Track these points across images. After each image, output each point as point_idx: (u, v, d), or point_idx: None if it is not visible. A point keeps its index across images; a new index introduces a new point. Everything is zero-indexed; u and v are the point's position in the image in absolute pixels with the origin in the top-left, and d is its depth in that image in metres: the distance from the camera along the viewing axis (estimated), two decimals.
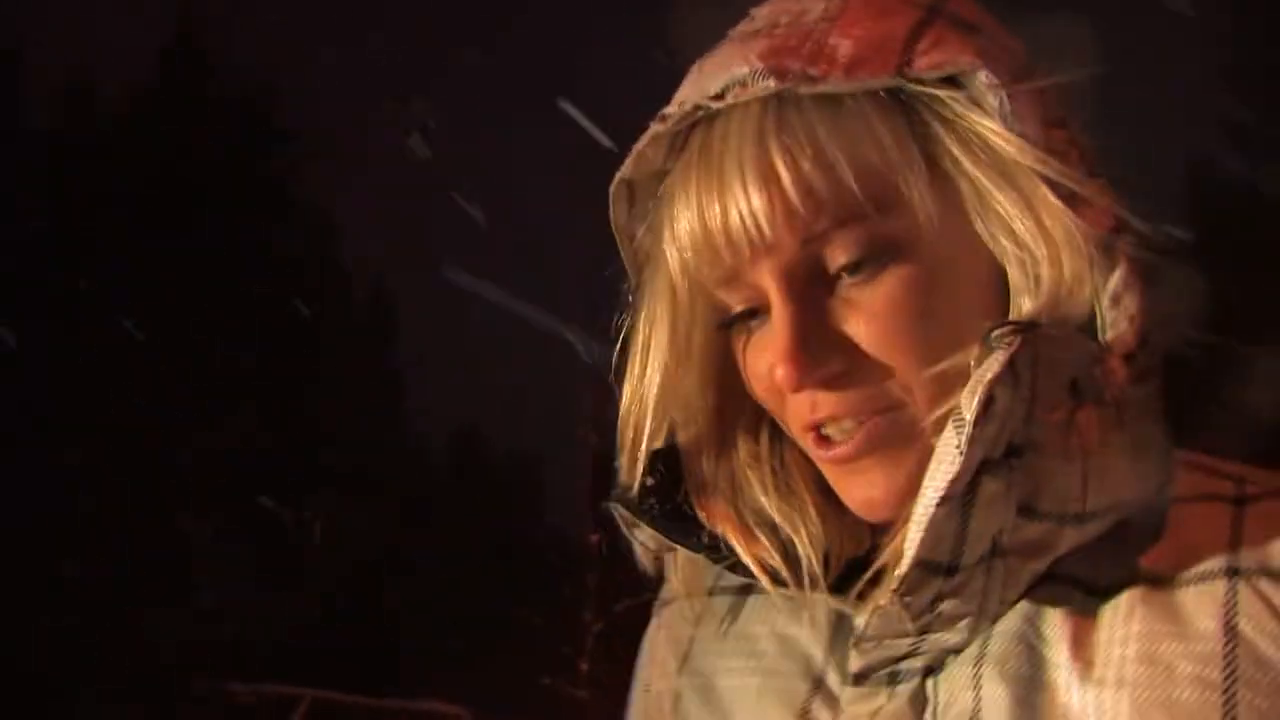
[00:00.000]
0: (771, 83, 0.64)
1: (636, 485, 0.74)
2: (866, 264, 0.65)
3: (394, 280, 25.54)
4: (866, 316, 0.66)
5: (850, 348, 0.66)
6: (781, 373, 0.65)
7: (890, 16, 0.66)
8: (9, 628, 15.17)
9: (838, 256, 0.66)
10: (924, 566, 0.61)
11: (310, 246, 21.51)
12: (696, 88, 0.68)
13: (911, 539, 0.61)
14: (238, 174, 19.52)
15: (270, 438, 18.55)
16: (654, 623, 0.85)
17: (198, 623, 16.95)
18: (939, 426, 0.63)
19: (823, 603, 0.72)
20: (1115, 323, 0.64)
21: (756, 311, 0.69)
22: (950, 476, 0.60)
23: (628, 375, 0.76)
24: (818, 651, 0.73)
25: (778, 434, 0.75)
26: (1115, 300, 0.63)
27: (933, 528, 0.60)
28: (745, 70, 0.65)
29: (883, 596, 0.65)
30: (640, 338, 0.75)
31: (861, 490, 0.68)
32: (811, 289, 0.67)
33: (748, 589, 0.77)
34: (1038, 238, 0.64)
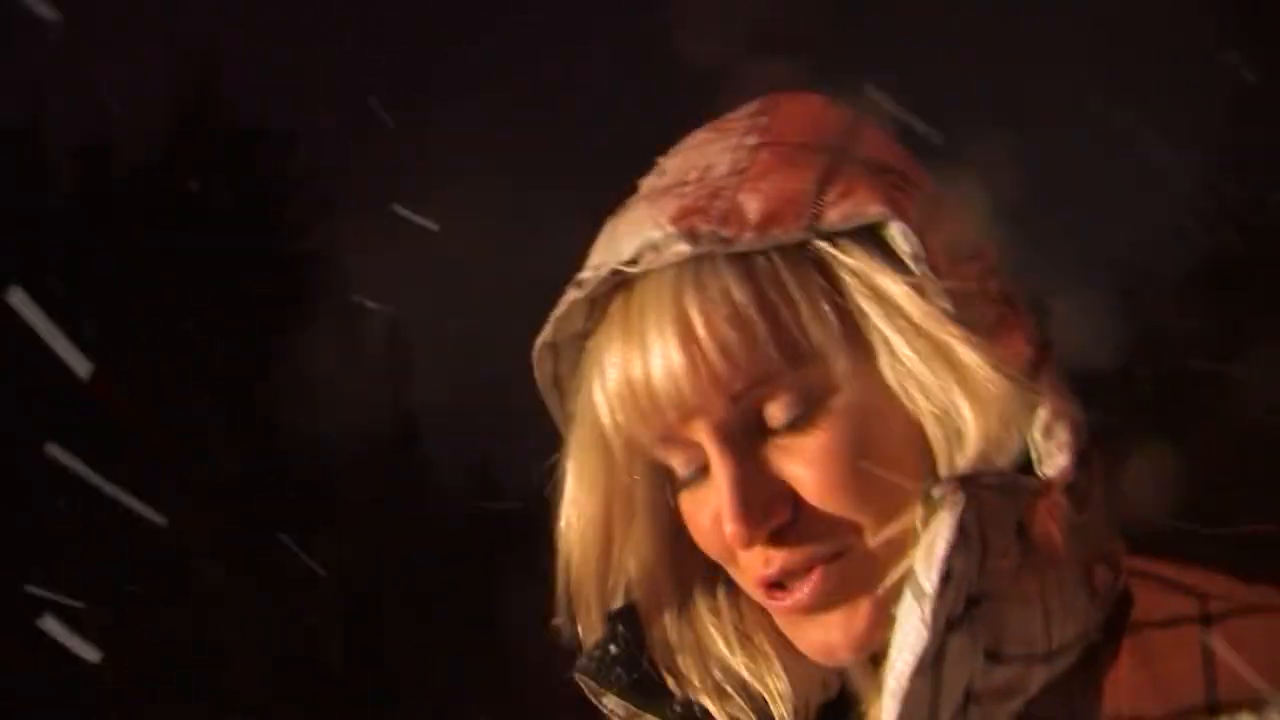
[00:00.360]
0: (684, 247, 0.64)
1: (598, 652, 0.73)
2: (796, 417, 0.66)
3: (409, 322, 25.90)
4: (803, 463, 0.66)
5: (792, 496, 0.66)
6: (731, 530, 0.65)
7: (798, 167, 0.67)
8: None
9: (769, 411, 0.66)
10: None
11: (323, 292, 21.95)
12: (610, 250, 0.68)
13: (888, 710, 0.61)
14: (254, 225, 20.01)
15: (284, 476, 18.82)
16: None
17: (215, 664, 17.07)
18: (889, 568, 0.65)
19: None
20: (1050, 455, 0.64)
21: (701, 470, 0.69)
22: (920, 649, 0.60)
23: (564, 537, 0.75)
24: None
25: (731, 583, 0.74)
26: (1047, 432, 0.64)
27: (909, 698, 0.61)
28: (658, 234, 0.65)
29: None
30: (576, 496, 0.74)
31: (819, 636, 0.68)
32: (747, 441, 0.67)
33: None
34: (953, 389, 0.64)
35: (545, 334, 0.72)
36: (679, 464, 0.70)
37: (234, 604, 17.75)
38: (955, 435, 0.65)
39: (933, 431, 0.66)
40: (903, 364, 0.65)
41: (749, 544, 0.66)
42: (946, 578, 0.59)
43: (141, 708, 15.82)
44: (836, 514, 0.66)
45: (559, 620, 0.75)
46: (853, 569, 0.66)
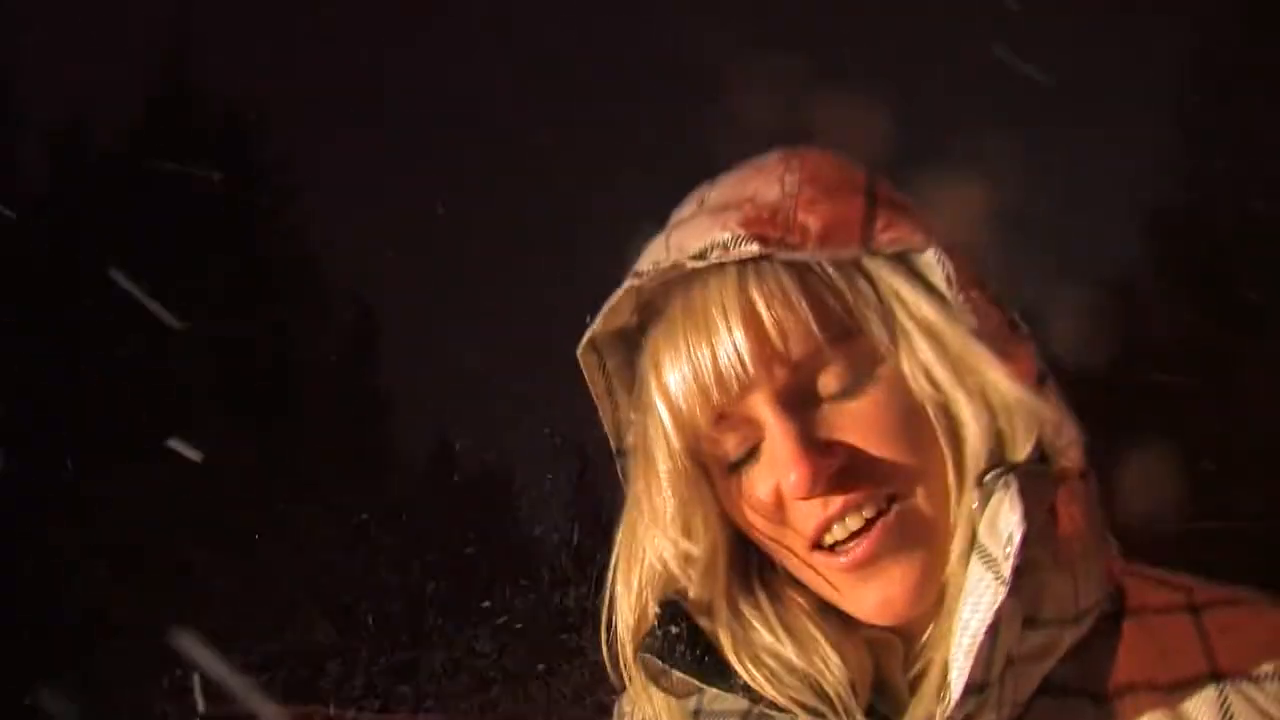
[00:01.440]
0: (755, 247, 0.71)
1: (660, 632, 0.77)
2: (847, 385, 0.73)
3: (376, 302, 26.17)
4: (854, 419, 0.73)
5: (847, 449, 0.72)
6: (794, 476, 0.70)
7: (842, 200, 0.74)
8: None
9: (822, 381, 0.73)
10: (966, 689, 0.67)
11: (296, 273, 22.18)
12: (674, 251, 0.74)
13: (961, 668, 0.67)
14: (226, 207, 20.23)
15: (253, 456, 19.08)
16: None
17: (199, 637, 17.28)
18: (938, 531, 0.73)
19: None
20: (1062, 450, 0.72)
21: (753, 452, 0.75)
22: (995, 606, 0.66)
23: (626, 528, 0.81)
24: None
25: (767, 578, 0.80)
26: (1057, 432, 0.72)
27: (980, 657, 0.67)
28: (728, 235, 0.72)
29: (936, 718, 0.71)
30: (636, 496, 0.79)
31: (877, 593, 0.73)
32: (802, 408, 0.73)
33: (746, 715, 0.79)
34: (978, 397, 0.72)
35: (595, 327, 0.79)
36: (732, 445, 0.75)
37: None
38: (984, 433, 0.72)
39: (971, 429, 0.73)
40: (932, 372, 0.73)
41: (810, 490, 0.70)
42: (1021, 549, 0.66)
43: None
44: (887, 462, 0.72)
45: (604, 598, 0.81)
46: (906, 526, 0.72)
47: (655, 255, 0.76)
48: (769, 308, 0.71)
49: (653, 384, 0.75)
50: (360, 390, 24.48)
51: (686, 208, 0.80)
